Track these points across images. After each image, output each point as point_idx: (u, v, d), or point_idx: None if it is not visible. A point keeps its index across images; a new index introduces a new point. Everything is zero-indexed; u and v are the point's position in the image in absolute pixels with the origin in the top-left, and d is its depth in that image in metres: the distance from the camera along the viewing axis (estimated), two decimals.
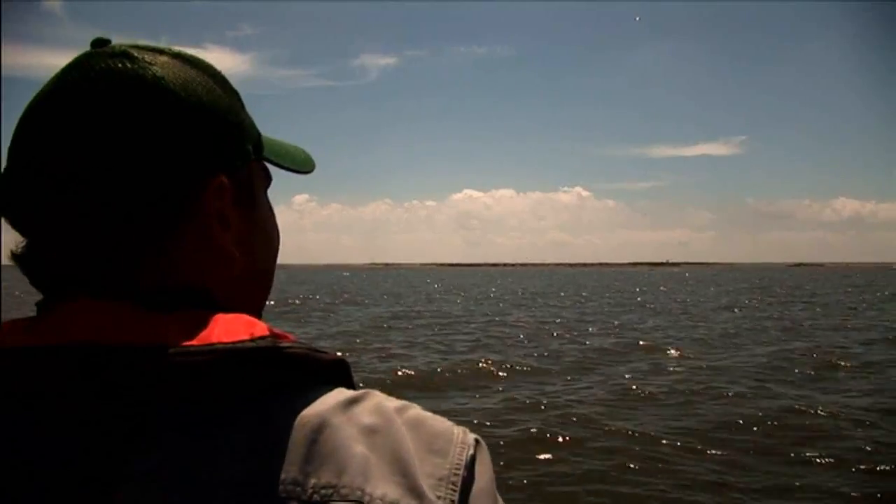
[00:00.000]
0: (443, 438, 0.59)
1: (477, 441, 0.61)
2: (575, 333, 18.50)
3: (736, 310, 28.12)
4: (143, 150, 0.61)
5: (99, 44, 0.68)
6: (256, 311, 0.74)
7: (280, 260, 0.82)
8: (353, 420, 0.56)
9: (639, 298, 38.83)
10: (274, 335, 0.58)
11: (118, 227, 0.61)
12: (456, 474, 0.57)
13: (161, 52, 0.68)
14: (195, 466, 0.52)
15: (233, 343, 0.55)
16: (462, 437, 0.60)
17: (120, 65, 0.63)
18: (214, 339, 0.55)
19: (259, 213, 0.74)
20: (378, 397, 0.60)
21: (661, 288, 56.05)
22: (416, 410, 0.61)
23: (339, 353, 0.62)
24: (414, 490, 0.54)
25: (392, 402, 0.60)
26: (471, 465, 0.59)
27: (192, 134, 0.64)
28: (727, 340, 16.82)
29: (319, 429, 0.54)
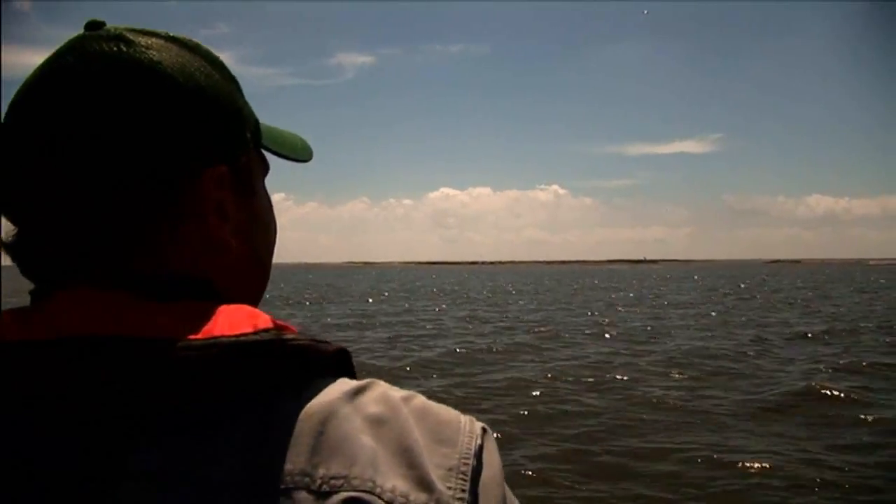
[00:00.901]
0: (450, 428, 0.58)
1: (484, 430, 0.61)
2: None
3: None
4: (139, 137, 0.60)
5: (93, 26, 0.66)
6: (255, 301, 0.73)
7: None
8: (360, 410, 0.55)
9: (612, 295, 39.21)
10: (277, 327, 0.57)
11: (114, 214, 0.60)
12: (465, 464, 0.56)
13: (157, 35, 0.66)
14: (196, 464, 0.51)
15: (236, 336, 0.54)
16: (469, 426, 0.59)
17: (115, 48, 0.62)
18: (217, 332, 0.54)
19: (257, 202, 0.73)
20: (382, 387, 0.59)
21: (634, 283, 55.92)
22: (421, 399, 0.60)
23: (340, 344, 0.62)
24: (423, 482, 0.53)
25: (397, 392, 0.60)
26: (479, 453, 0.58)
27: (190, 121, 0.63)
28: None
29: (326, 419, 0.54)
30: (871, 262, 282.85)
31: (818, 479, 6.17)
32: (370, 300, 36.10)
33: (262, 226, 0.74)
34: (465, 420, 0.60)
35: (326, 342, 0.59)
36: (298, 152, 0.82)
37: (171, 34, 0.67)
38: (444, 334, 18.18)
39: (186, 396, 0.52)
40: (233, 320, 0.57)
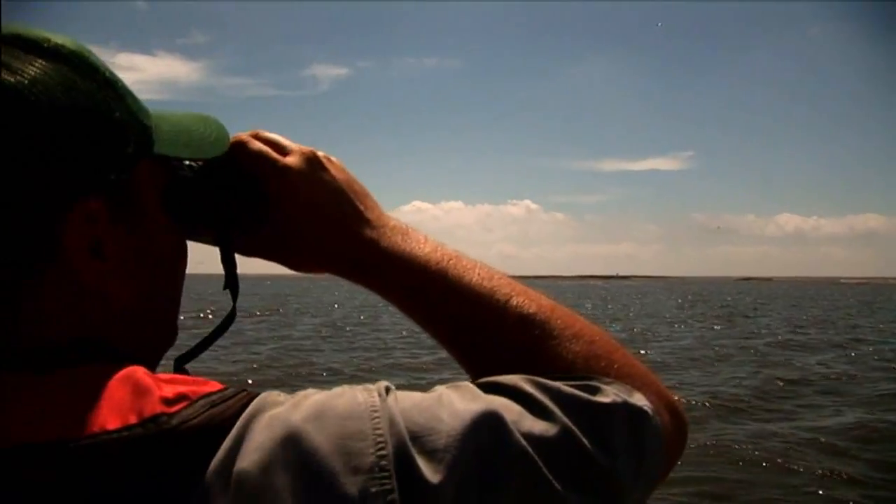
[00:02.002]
0: (352, 417, 0.54)
1: (382, 392, 0.58)
2: None
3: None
4: None
5: None
6: (160, 347, 0.70)
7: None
8: (262, 458, 0.51)
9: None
10: (165, 405, 0.52)
11: None
12: (382, 451, 0.52)
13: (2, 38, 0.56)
14: None
15: (118, 432, 0.50)
16: (368, 403, 0.56)
17: None
18: (97, 427, 0.50)
19: (149, 226, 0.65)
20: (268, 414, 0.54)
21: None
22: (311, 400, 0.56)
23: (244, 389, 0.57)
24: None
25: (284, 408, 0.55)
26: (391, 423, 0.54)
27: (44, 151, 0.54)
28: None
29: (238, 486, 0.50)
30: (842, 281, 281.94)
31: None
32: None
33: (157, 257, 0.67)
34: (362, 399, 0.56)
35: (228, 397, 0.55)
36: (206, 149, 0.72)
37: (24, 34, 0.57)
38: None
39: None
40: (115, 404, 0.52)
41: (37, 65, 0.55)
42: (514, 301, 0.75)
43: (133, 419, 0.51)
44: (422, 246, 0.79)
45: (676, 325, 24.31)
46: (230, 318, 0.80)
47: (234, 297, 0.80)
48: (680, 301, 54.14)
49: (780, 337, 20.83)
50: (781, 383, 12.08)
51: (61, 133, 0.55)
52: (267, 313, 30.79)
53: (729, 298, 56.19)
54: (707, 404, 10.15)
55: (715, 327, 25.27)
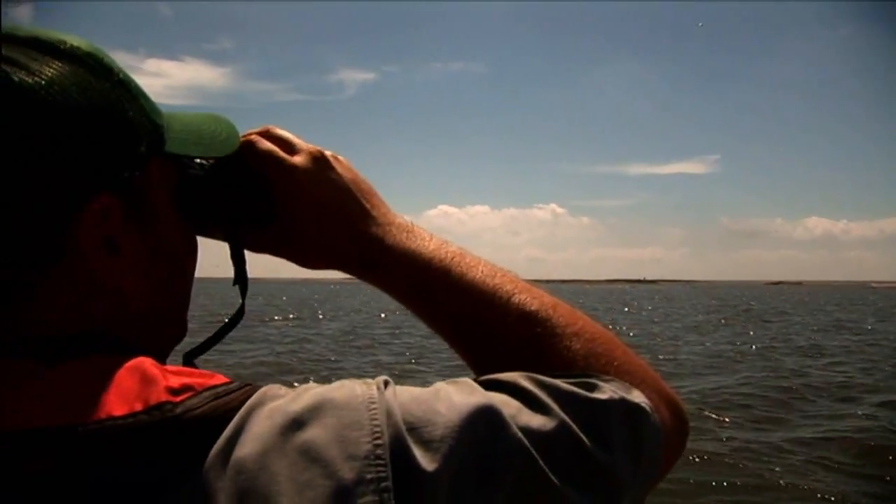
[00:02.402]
0: (350, 408, 0.55)
1: (381, 385, 0.59)
2: None
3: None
4: None
5: None
6: (169, 343, 0.71)
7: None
8: (261, 446, 0.52)
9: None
10: (171, 394, 0.53)
11: None
12: (378, 441, 0.53)
13: (16, 40, 0.57)
14: None
15: (124, 418, 0.51)
16: (366, 395, 0.57)
17: None
18: (104, 413, 0.51)
19: (161, 224, 0.67)
20: (268, 406, 0.55)
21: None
22: (311, 392, 0.57)
23: (250, 383, 0.58)
24: (337, 490, 0.51)
25: (284, 400, 0.56)
26: (389, 414, 0.55)
27: (60, 149, 0.56)
28: None
29: (241, 476, 0.51)
30: (873, 285, 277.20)
31: None
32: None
33: (168, 254, 0.68)
34: (360, 391, 0.57)
35: (233, 390, 0.56)
36: (216, 147, 0.74)
37: (41, 36, 0.59)
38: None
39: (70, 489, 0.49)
40: (122, 392, 0.53)
41: (53, 66, 0.57)
42: (516, 298, 0.77)
43: (139, 406, 0.52)
44: (426, 243, 0.81)
45: (720, 333, 23.35)
46: (239, 315, 0.82)
47: (243, 293, 0.82)
48: (715, 303, 53.25)
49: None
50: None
51: (76, 132, 0.57)
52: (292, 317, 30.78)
53: (760, 303, 54.40)
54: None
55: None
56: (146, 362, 0.57)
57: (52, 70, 0.57)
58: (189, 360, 0.75)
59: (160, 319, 0.69)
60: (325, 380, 0.62)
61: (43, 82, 0.56)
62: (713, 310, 43.63)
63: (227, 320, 0.82)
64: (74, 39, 0.61)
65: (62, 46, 0.59)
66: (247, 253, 0.83)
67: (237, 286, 0.83)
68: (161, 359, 0.69)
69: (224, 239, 0.83)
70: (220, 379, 0.58)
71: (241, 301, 0.82)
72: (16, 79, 0.55)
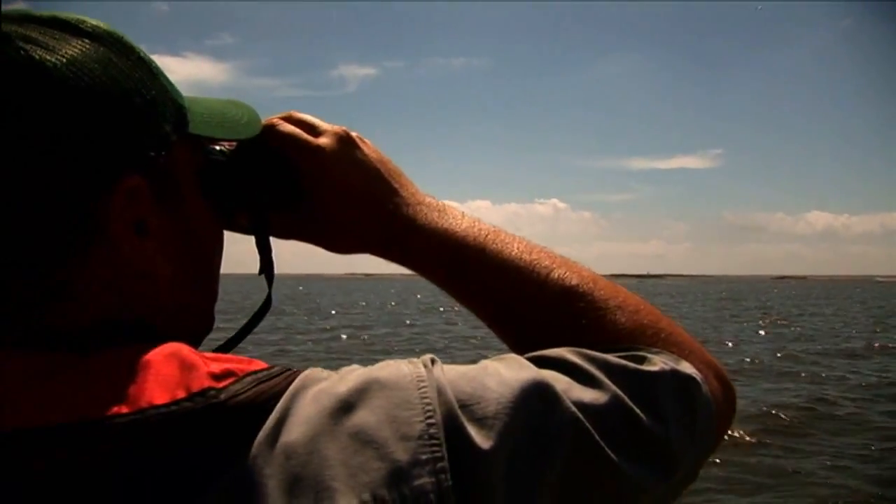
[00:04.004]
0: (399, 387, 0.54)
1: (428, 363, 0.58)
2: None
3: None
4: (20, 158, 0.52)
5: None
6: (199, 329, 0.68)
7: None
8: (310, 430, 0.51)
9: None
10: (216, 375, 0.52)
11: (1, 259, 0.53)
12: (431, 420, 0.52)
13: (38, 20, 0.56)
14: None
15: (167, 406, 0.50)
16: (414, 374, 0.56)
17: None
18: (144, 402, 0.50)
19: (188, 209, 0.65)
20: (313, 390, 0.54)
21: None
22: (355, 374, 0.56)
23: (289, 368, 0.57)
24: (392, 474, 0.50)
25: (329, 382, 0.55)
26: (438, 391, 0.54)
27: (86, 128, 0.54)
28: None
29: (290, 461, 0.50)
30: (878, 279, 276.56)
31: None
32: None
33: (196, 238, 0.66)
34: (407, 370, 0.56)
35: (275, 374, 0.55)
36: (240, 130, 0.72)
37: (60, 16, 0.58)
38: None
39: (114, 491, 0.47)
40: (162, 379, 0.51)
41: (75, 44, 0.56)
42: (555, 273, 0.74)
43: (181, 394, 0.50)
44: (459, 222, 0.78)
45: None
46: (266, 305, 0.79)
47: (270, 282, 0.79)
48: (734, 299, 52.79)
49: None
50: None
51: (101, 111, 0.55)
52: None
53: (785, 299, 53.53)
54: None
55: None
56: (184, 349, 0.55)
57: (73, 49, 0.55)
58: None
59: (190, 307, 0.67)
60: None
61: (65, 60, 0.54)
62: (745, 308, 42.32)
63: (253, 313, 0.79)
64: (93, 20, 0.60)
65: (82, 26, 0.58)
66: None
67: (262, 275, 0.80)
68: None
69: (247, 229, 0.80)
70: (260, 364, 0.56)
71: (267, 291, 0.79)
72: (37, 57, 0.53)
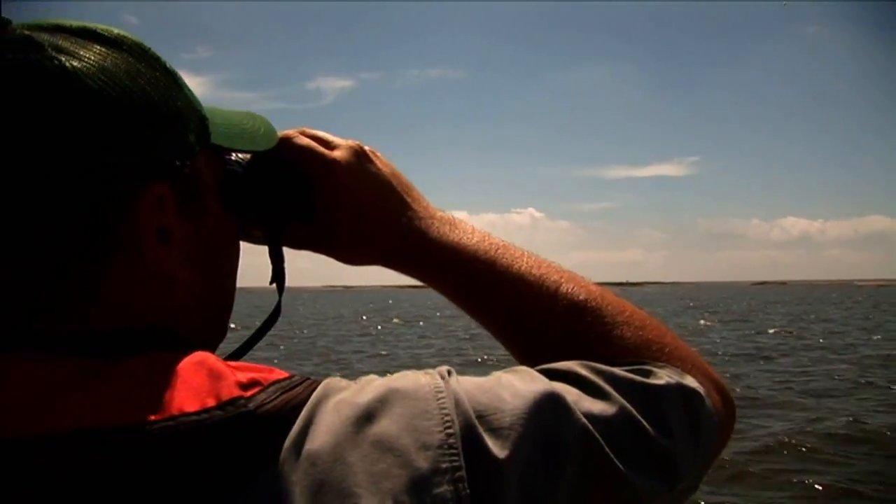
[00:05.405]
0: (418, 398, 0.56)
1: (449, 372, 0.60)
2: None
3: None
4: (52, 165, 0.53)
5: None
6: (218, 334, 0.70)
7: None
8: (333, 438, 0.53)
9: None
10: (242, 389, 0.53)
11: (30, 265, 0.54)
12: (450, 430, 0.54)
13: (71, 31, 0.57)
14: None
15: (198, 414, 0.50)
16: (432, 384, 0.57)
17: (19, 55, 0.53)
18: (175, 409, 0.50)
19: (209, 219, 0.65)
20: (334, 399, 0.56)
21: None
22: (375, 384, 0.58)
23: (309, 377, 0.58)
24: (413, 483, 0.51)
25: (349, 392, 0.57)
26: (457, 403, 0.56)
27: (115, 137, 0.55)
28: None
29: (315, 473, 0.51)
30: (857, 283, 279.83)
31: None
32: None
33: (216, 247, 0.67)
34: (425, 381, 0.58)
35: (298, 383, 0.56)
36: (258, 141, 0.73)
37: (81, 25, 0.58)
38: None
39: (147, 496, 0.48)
40: (192, 387, 0.52)
41: (104, 54, 0.57)
42: (564, 288, 0.76)
43: (211, 402, 0.51)
44: (470, 236, 0.80)
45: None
46: (276, 314, 0.80)
47: (280, 291, 0.81)
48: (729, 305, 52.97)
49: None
50: None
51: (130, 120, 0.56)
52: None
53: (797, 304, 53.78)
54: None
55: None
56: (210, 357, 0.56)
57: (103, 59, 0.56)
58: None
59: (208, 317, 0.68)
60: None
61: (95, 70, 0.55)
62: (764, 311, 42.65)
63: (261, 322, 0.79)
64: (119, 29, 0.61)
65: (109, 35, 0.59)
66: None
67: (274, 284, 0.81)
68: None
69: (263, 240, 0.81)
70: (281, 373, 0.57)
71: (277, 300, 0.80)
72: (69, 66, 0.54)
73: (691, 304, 57.18)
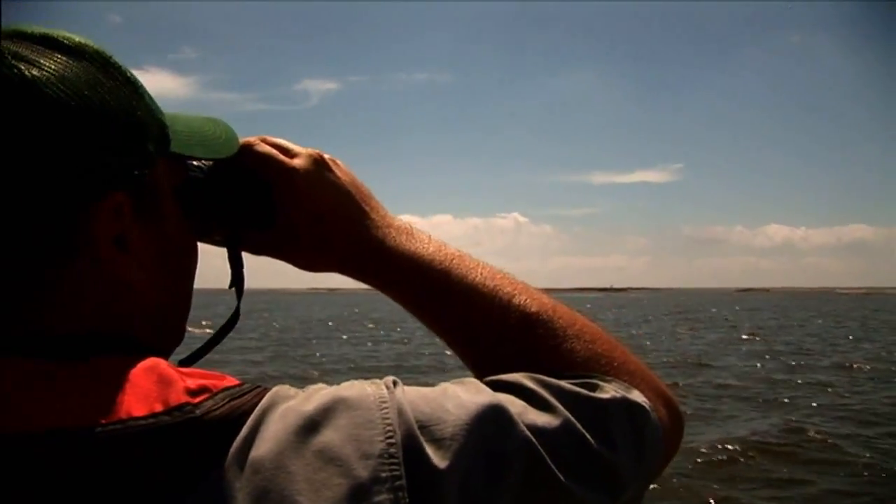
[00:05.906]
0: (362, 408, 0.57)
1: (395, 383, 0.61)
2: None
3: None
4: (9, 174, 0.54)
5: None
6: (174, 339, 0.71)
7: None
8: (277, 446, 0.53)
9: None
10: (189, 395, 0.54)
11: None
12: (391, 440, 0.55)
13: (29, 37, 0.58)
14: None
15: (145, 419, 0.51)
16: (377, 394, 0.58)
17: None
18: (124, 413, 0.51)
19: (167, 224, 0.67)
20: (281, 407, 0.56)
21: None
22: (321, 393, 0.58)
23: (259, 385, 0.59)
24: (355, 491, 0.52)
25: (296, 400, 0.57)
26: (400, 413, 0.57)
27: (74, 146, 0.56)
28: None
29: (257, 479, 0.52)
30: (838, 291, 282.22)
31: None
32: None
33: (173, 254, 0.68)
34: (370, 391, 0.59)
35: (247, 391, 0.57)
36: (218, 149, 0.74)
37: (50, 34, 0.59)
38: None
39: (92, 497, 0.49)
40: (141, 392, 0.53)
41: (64, 63, 0.57)
42: (516, 300, 0.77)
43: (159, 407, 0.52)
44: (426, 245, 0.81)
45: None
46: (234, 319, 0.81)
47: (239, 296, 0.82)
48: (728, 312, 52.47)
49: None
50: None
51: (89, 129, 0.56)
52: None
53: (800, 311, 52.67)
54: None
55: None
56: (161, 363, 0.57)
57: (62, 67, 0.57)
58: (185, 366, 0.73)
59: (165, 322, 0.69)
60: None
61: (55, 79, 0.55)
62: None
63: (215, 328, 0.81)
64: (80, 37, 0.61)
65: (70, 44, 0.59)
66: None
67: (232, 288, 0.83)
68: None
69: (222, 242, 0.83)
70: (231, 380, 0.59)
71: (236, 305, 0.81)
72: (28, 75, 0.54)
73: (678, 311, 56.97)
